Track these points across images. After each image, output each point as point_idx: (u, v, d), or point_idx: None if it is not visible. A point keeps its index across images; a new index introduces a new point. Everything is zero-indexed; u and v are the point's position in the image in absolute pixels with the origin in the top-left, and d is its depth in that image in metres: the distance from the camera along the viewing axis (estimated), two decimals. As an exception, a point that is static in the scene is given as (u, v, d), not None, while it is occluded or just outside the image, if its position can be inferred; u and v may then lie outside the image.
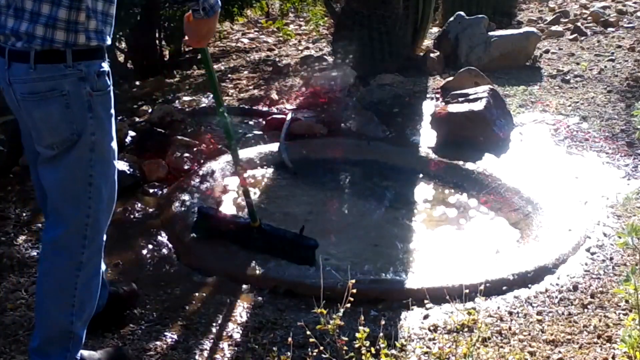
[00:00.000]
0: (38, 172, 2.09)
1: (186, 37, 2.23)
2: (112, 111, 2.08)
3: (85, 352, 2.17)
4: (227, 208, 3.50)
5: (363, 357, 2.04)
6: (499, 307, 2.56)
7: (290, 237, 2.93)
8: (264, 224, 2.97)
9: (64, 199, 2.03)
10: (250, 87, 5.63)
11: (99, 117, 2.01)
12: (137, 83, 5.75)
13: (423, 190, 3.78)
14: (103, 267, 2.36)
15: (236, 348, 2.35)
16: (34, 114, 1.96)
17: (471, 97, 4.36)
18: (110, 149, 2.07)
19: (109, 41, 2.03)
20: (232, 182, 3.75)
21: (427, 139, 4.34)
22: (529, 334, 2.38)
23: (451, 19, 6.30)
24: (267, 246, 2.92)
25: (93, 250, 2.09)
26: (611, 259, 2.90)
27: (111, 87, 2.06)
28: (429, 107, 4.84)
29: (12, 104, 2.03)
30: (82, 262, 2.06)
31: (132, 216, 3.36)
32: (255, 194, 3.67)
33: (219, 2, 2.14)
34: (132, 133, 4.24)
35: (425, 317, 2.50)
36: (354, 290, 2.10)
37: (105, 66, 2.03)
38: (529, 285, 2.70)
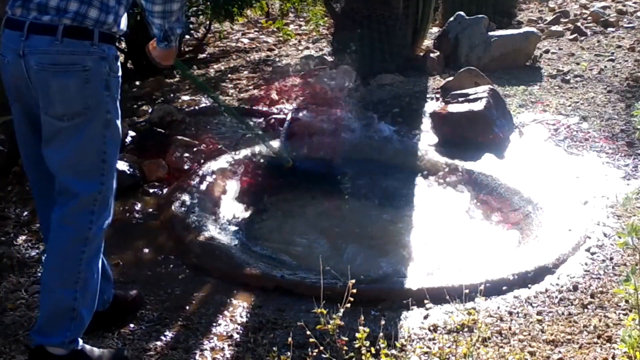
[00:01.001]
0: (44, 155, 2.11)
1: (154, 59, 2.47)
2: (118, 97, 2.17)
3: (87, 347, 2.18)
4: (229, 207, 3.50)
5: (363, 357, 2.04)
6: (499, 307, 2.56)
7: (322, 168, 3.60)
8: (296, 162, 3.61)
9: (77, 174, 2.07)
10: (250, 87, 5.63)
11: (113, 97, 2.11)
12: (137, 83, 5.75)
13: (423, 190, 3.78)
14: (105, 261, 2.38)
15: (236, 348, 2.35)
16: (51, 84, 2.01)
17: (471, 97, 4.36)
18: (120, 129, 2.16)
19: (121, 33, 2.15)
20: (232, 182, 3.75)
21: (427, 139, 4.34)
22: (529, 334, 2.38)
23: (451, 19, 6.29)
24: (304, 179, 3.57)
25: (99, 226, 2.13)
26: (611, 259, 2.90)
27: (120, 74, 2.16)
28: (429, 107, 4.84)
29: (17, 77, 2.06)
30: (88, 237, 2.10)
31: (132, 216, 3.36)
32: (256, 194, 3.67)
33: (181, 29, 2.29)
34: (132, 133, 4.24)
35: (425, 317, 2.50)
36: (354, 290, 2.10)
37: (118, 53, 2.18)
38: (529, 285, 2.70)
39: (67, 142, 2.05)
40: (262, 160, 3.73)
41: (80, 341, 2.15)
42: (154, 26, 2.22)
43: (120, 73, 2.15)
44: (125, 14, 2.16)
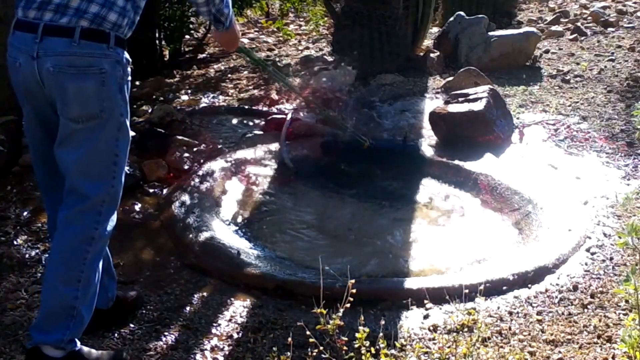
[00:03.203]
0: (56, 155, 2.12)
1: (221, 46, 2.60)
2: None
3: (85, 348, 2.18)
4: (229, 208, 3.50)
5: (363, 357, 2.04)
6: (499, 307, 2.56)
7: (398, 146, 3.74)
8: (371, 142, 3.81)
9: (87, 175, 2.09)
10: (250, 87, 5.63)
11: (126, 100, 2.13)
12: (137, 83, 5.75)
13: (423, 190, 3.78)
14: (110, 258, 2.38)
15: (236, 348, 2.35)
16: (68, 86, 2.02)
17: (471, 97, 4.36)
18: (129, 130, 2.19)
19: (129, 36, 2.17)
20: (232, 182, 3.75)
21: (427, 138, 4.34)
22: (529, 334, 2.38)
23: (451, 19, 6.30)
24: (379, 159, 3.73)
25: (105, 227, 2.15)
26: (611, 259, 2.90)
27: (130, 78, 2.19)
28: (429, 107, 4.84)
29: (29, 79, 2.05)
30: (93, 237, 2.11)
31: (132, 216, 3.36)
32: (256, 193, 3.67)
33: (232, 13, 2.39)
34: (132, 133, 4.23)
35: (425, 317, 2.50)
36: (354, 290, 2.10)
37: (128, 57, 2.16)
38: (529, 285, 2.70)
39: (81, 144, 2.07)
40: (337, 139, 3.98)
41: (78, 343, 2.15)
42: (202, 15, 2.34)
43: (130, 77, 2.18)
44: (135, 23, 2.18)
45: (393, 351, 2.23)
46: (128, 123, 2.18)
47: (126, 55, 2.13)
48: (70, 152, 2.08)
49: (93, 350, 2.21)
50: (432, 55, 5.93)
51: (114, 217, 2.20)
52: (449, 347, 2.24)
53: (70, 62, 2.01)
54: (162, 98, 5.33)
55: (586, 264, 2.86)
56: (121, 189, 2.19)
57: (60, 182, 2.15)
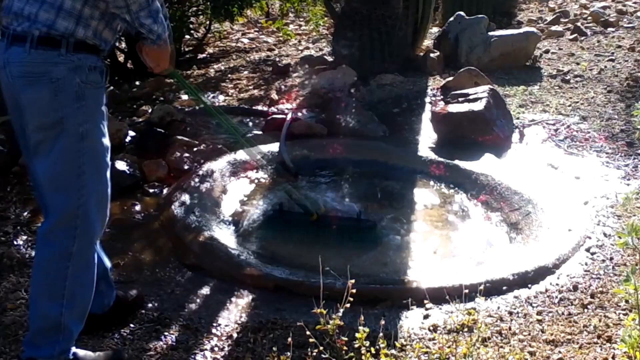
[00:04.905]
0: (30, 167, 2.10)
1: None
2: (104, 108, 2.11)
3: (80, 352, 2.17)
4: (229, 208, 3.50)
5: (363, 357, 2.04)
6: (499, 307, 2.56)
7: (350, 223, 3.19)
8: (322, 215, 3.22)
9: (55, 188, 2.04)
10: (250, 87, 5.63)
11: (89, 107, 2.03)
12: (137, 83, 5.75)
13: (423, 191, 3.78)
14: (108, 264, 2.37)
15: (236, 348, 2.35)
16: (23, 95, 2.00)
17: (471, 97, 4.36)
18: (101, 142, 2.09)
19: (105, 45, 2.07)
20: (232, 182, 3.75)
21: (427, 139, 4.34)
22: (529, 334, 2.38)
23: (451, 19, 6.30)
24: (331, 234, 3.16)
25: (84, 242, 2.09)
26: (611, 259, 2.90)
27: (104, 84, 2.09)
28: (429, 107, 4.85)
29: (6, 87, 2.05)
30: (71, 253, 2.07)
31: (132, 216, 3.36)
32: (256, 194, 3.67)
33: (166, 30, 2.15)
34: (132, 133, 4.24)
35: (425, 317, 2.50)
36: (354, 290, 2.10)
37: (100, 63, 2.07)
38: (529, 285, 2.70)
39: (47, 155, 2.02)
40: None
41: (73, 348, 2.14)
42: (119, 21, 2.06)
43: (101, 84, 2.08)
44: (109, 30, 2.07)
45: (393, 351, 2.23)
46: (99, 132, 2.07)
47: (93, 61, 2.03)
48: (39, 163, 2.04)
49: (89, 353, 2.20)
50: (432, 55, 5.93)
51: (96, 232, 2.12)
52: (449, 347, 2.23)
53: (24, 71, 1.97)
54: (162, 98, 5.33)
55: (586, 264, 2.86)
56: (96, 203, 2.09)
57: None
